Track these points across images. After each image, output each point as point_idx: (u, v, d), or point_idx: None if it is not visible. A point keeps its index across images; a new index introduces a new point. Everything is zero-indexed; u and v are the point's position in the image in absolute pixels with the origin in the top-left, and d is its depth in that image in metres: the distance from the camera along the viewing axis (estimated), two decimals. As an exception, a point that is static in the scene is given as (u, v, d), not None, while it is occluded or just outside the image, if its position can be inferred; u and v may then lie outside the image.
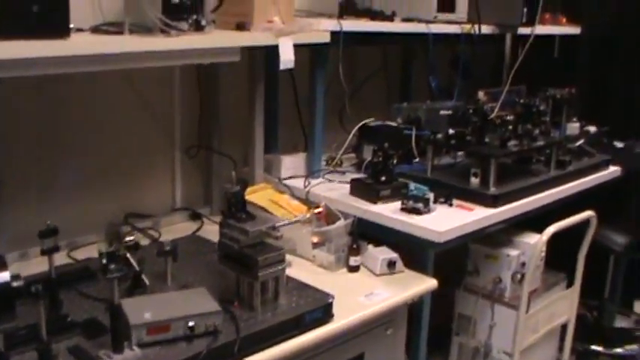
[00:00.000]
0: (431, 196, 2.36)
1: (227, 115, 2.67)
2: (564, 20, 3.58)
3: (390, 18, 2.66)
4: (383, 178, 2.39)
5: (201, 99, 2.64)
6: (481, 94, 3.02)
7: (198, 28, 2.09)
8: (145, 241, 2.31)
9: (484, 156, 2.41)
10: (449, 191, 2.38)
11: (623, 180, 3.12)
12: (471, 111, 2.57)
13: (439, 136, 2.50)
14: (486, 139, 2.52)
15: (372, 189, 2.37)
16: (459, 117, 2.49)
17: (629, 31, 3.57)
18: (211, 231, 2.35)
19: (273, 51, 2.30)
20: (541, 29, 3.32)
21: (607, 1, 3.64)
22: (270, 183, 2.62)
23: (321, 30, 2.39)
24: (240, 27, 2.27)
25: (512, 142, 2.53)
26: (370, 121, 2.74)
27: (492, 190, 2.40)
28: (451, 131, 2.48)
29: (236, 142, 2.70)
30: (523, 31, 3.14)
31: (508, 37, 3.70)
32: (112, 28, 2.06)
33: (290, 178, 2.67)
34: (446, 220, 2.24)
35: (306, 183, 2.57)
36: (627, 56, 3.59)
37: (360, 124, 2.72)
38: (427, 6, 2.76)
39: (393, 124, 2.73)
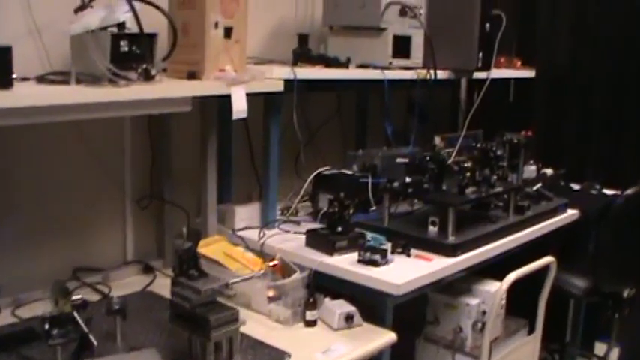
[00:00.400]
0: (388, 246, 2.31)
1: (179, 164, 2.60)
2: (519, 63, 3.60)
3: (345, 65, 2.63)
4: (339, 229, 2.33)
5: (153, 148, 2.56)
6: (438, 140, 3.01)
7: (147, 77, 2.03)
8: (94, 297, 2.22)
9: (443, 205, 2.37)
10: (407, 241, 2.33)
11: (580, 222, 3.11)
12: (428, 158, 2.53)
13: (396, 184, 2.46)
14: (444, 187, 2.49)
15: (328, 240, 2.31)
16: (415, 165, 2.45)
17: (582, 72, 3.61)
18: (164, 285, 2.25)
19: (225, 99, 2.24)
20: (496, 73, 3.34)
21: (560, 43, 3.67)
22: (224, 235, 2.54)
23: (274, 78, 2.35)
24: (192, 76, 2.22)
25: (470, 189, 2.50)
26: (325, 170, 2.69)
27: (451, 239, 2.35)
28: (408, 179, 2.44)
29: (189, 192, 2.63)
30: (479, 75, 3.14)
31: (463, 80, 3.71)
32: (59, 77, 1.99)
33: (244, 229, 2.60)
34: (404, 272, 2.18)
35: (261, 234, 2.50)
36: (581, 98, 3.62)
37: (315, 172, 2.67)
38: (382, 52, 2.74)
39: (349, 172, 2.69)
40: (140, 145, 2.53)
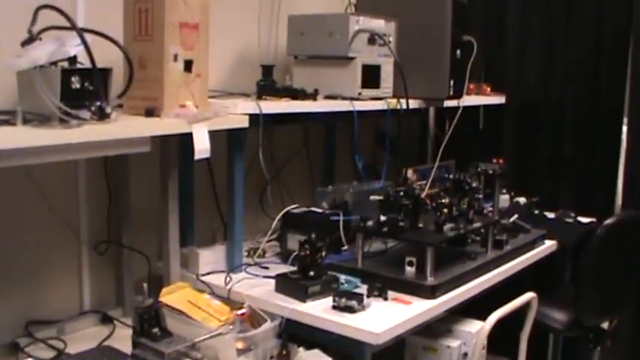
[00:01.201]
0: (364, 290, 2.17)
1: (139, 205, 2.43)
2: (489, 90, 3.51)
3: (312, 96, 2.50)
4: (311, 273, 2.18)
5: (110, 189, 2.39)
6: (410, 173, 2.89)
7: (102, 116, 1.87)
8: (48, 354, 2.05)
9: (421, 244, 2.24)
10: (383, 284, 2.19)
11: (558, 253, 3.02)
12: (402, 193, 2.40)
13: (370, 223, 2.32)
14: (420, 224, 2.36)
15: (299, 286, 2.16)
16: (390, 202, 2.31)
17: (552, 96, 3.53)
18: (124, 337, 2.08)
19: (186, 136, 2.09)
20: (467, 100, 3.24)
21: (530, 67, 3.59)
22: (188, 281, 2.37)
23: (238, 114, 2.20)
24: (150, 113, 2.06)
25: (448, 226, 2.37)
26: (293, 208, 2.55)
27: (430, 280, 2.22)
28: (383, 218, 2.30)
29: (150, 236, 2.46)
30: (450, 103, 3.04)
31: (432, 109, 3.61)
32: (4, 116, 1.82)
33: (210, 273, 2.43)
34: (382, 318, 2.04)
35: (227, 280, 2.33)
36: (552, 123, 3.54)
37: (283, 211, 2.52)
38: (351, 82, 2.61)
39: (318, 210, 2.54)
40: (96, 185, 2.36)
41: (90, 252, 2.38)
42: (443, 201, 2.35)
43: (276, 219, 2.52)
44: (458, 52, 2.91)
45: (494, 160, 3.36)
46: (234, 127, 2.18)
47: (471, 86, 3.43)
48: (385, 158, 2.77)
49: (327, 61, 2.66)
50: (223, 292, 2.30)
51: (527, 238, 2.84)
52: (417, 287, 2.21)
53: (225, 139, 2.38)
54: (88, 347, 2.08)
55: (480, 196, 2.76)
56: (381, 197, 2.34)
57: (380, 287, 2.19)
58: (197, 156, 2.04)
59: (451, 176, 2.85)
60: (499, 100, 3.54)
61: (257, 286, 2.30)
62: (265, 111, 2.26)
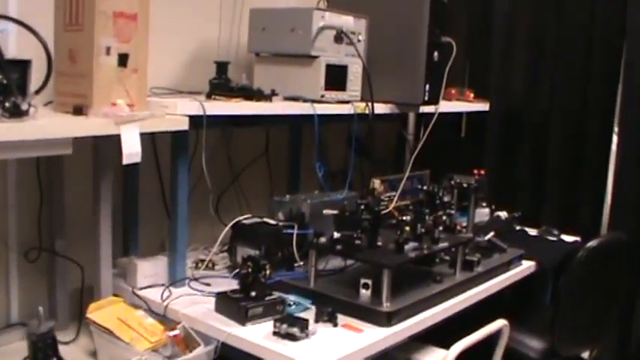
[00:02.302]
0: (312, 314, 1.96)
1: (74, 211, 2.23)
2: (472, 96, 3.29)
3: (268, 98, 2.28)
4: (253, 294, 1.97)
5: (42, 193, 2.18)
6: (377, 183, 2.67)
7: (16, 113, 1.66)
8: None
9: (376, 265, 2.02)
10: (334, 307, 1.98)
11: (537, 275, 2.80)
12: (362, 207, 2.18)
13: (323, 239, 2.11)
14: (379, 242, 2.14)
15: (239, 307, 1.94)
16: (344, 217, 2.10)
17: (538, 106, 3.31)
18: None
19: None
20: (446, 106, 3.02)
21: (516, 74, 3.38)
22: (124, 295, 2.16)
23: (178, 114, 1.98)
24: (78, 111, 1.85)
25: (410, 245, 2.15)
26: (245, 218, 2.33)
27: (386, 305, 2.00)
28: (336, 235, 2.09)
29: (86, 244, 2.23)
30: (426, 109, 2.82)
31: (411, 115, 3.39)
32: None
33: (149, 287, 2.21)
34: (327, 348, 1.82)
35: (164, 295, 2.12)
36: (537, 134, 3.32)
37: (233, 221, 2.31)
38: (313, 83, 2.39)
39: (272, 221, 2.33)
40: (27, 189, 2.16)
41: (19, 259, 2.18)
42: (404, 218, 2.13)
43: (225, 230, 2.31)
44: (435, 54, 2.69)
45: (475, 171, 3.13)
46: (172, 129, 1.97)
47: (453, 91, 3.23)
48: (351, 168, 2.54)
49: (290, 59, 2.45)
50: (160, 308, 2.09)
51: (503, 258, 2.62)
52: (371, 313, 2.00)
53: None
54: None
55: (452, 211, 2.55)
56: (335, 211, 2.12)
57: (330, 312, 1.98)
58: (125, 160, 1.83)
59: (425, 187, 2.65)
60: (482, 107, 3.33)
61: (197, 304, 2.09)
62: (210, 112, 2.05)
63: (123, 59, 1.90)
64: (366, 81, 2.53)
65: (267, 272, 2.00)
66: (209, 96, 2.23)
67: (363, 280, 2.05)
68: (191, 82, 2.50)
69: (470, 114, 3.42)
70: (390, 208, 2.53)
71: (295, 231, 2.27)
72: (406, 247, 2.13)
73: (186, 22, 2.56)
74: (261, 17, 2.49)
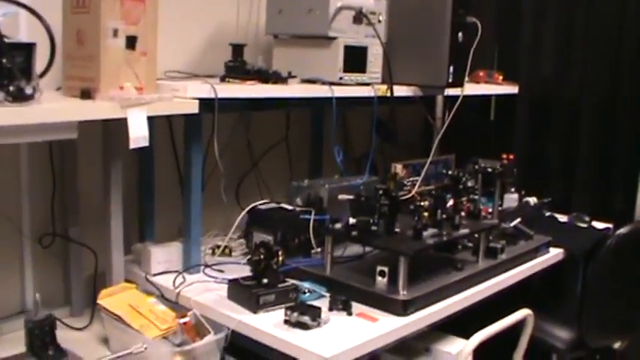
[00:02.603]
0: (326, 302, 1.91)
1: (87, 196, 2.21)
2: (500, 78, 3.19)
3: (284, 80, 2.22)
4: (265, 281, 1.92)
5: (55, 178, 2.16)
6: (399, 168, 2.60)
7: (20, 97, 1.63)
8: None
9: (392, 252, 1.96)
10: (349, 295, 1.92)
11: (565, 262, 2.70)
12: (381, 192, 2.12)
13: (338, 225, 2.05)
14: (397, 229, 2.08)
15: (251, 294, 1.90)
16: (361, 201, 2.04)
17: (570, 88, 3.19)
18: (69, 341, 1.86)
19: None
20: (473, 89, 2.94)
21: (546, 55, 3.26)
22: (138, 281, 2.14)
23: (188, 98, 1.94)
24: (85, 95, 1.82)
25: (429, 232, 2.08)
26: (261, 204, 2.29)
27: (402, 294, 1.94)
28: (352, 220, 2.03)
29: (99, 229, 2.21)
30: (451, 92, 2.74)
31: (440, 98, 3.30)
32: None
33: (163, 273, 2.19)
34: (339, 338, 1.77)
35: (177, 282, 2.09)
36: (569, 116, 3.20)
37: (249, 206, 2.26)
38: (331, 65, 2.33)
39: (289, 207, 2.28)
40: (40, 174, 2.14)
41: (33, 246, 2.16)
42: (422, 203, 2.06)
43: (241, 215, 2.26)
44: (460, 34, 2.60)
45: (504, 156, 3.05)
46: (181, 112, 1.92)
47: (481, 74, 3.14)
48: (371, 150, 2.47)
49: (307, 41, 2.39)
50: (173, 295, 2.06)
51: (529, 245, 2.54)
52: (386, 301, 1.94)
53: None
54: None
55: (476, 196, 2.47)
56: (351, 196, 2.06)
57: (344, 300, 1.93)
58: (132, 144, 1.79)
59: (450, 172, 2.57)
60: (511, 90, 3.22)
61: (209, 291, 2.05)
62: (222, 95, 2.00)
63: (131, 42, 1.86)
64: (391, 63, 2.46)
65: (280, 259, 1.95)
66: (223, 79, 2.18)
67: (379, 268, 1.99)
68: (208, 66, 2.46)
69: (499, 97, 3.31)
70: (413, 192, 2.47)
71: (312, 217, 2.21)
72: (425, 233, 2.07)
73: (204, 5, 2.52)
74: (278, -1, 2.43)
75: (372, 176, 2.49)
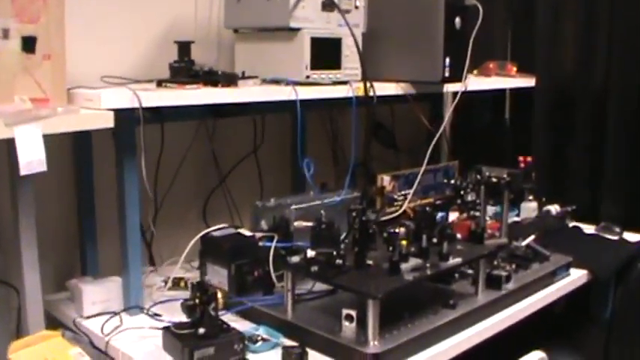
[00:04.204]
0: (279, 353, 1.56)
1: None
2: (514, 70, 2.78)
3: (233, 82, 1.85)
4: (202, 330, 1.56)
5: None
6: (386, 180, 2.22)
7: None
8: None
9: (356, 294, 1.59)
10: (302, 349, 1.55)
11: (590, 286, 2.28)
12: (354, 213, 1.74)
13: (296, 258, 1.68)
14: (369, 261, 1.70)
15: (183, 349, 1.54)
16: (321, 230, 1.66)
17: (595, 80, 2.75)
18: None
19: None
20: (479, 83, 2.54)
21: (567, 43, 2.82)
22: (65, 326, 1.81)
23: (101, 109, 1.58)
24: (-26, 108, 1.48)
25: (410, 264, 1.69)
26: (217, 229, 1.93)
27: (373, 344, 1.56)
28: (310, 253, 1.65)
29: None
30: (452, 87, 2.35)
31: (449, 94, 2.90)
32: None
33: (98, 315, 1.84)
34: (287, 406, 1.41)
35: (108, 327, 1.74)
36: (594, 113, 2.76)
37: (201, 233, 1.91)
38: (295, 63, 1.96)
39: (247, 232, 1.91)
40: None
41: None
42: (396, 230, 1.67)
43: (190, 244, 1.91)
44: (457, 20, 2.21)
45: (521, 159, 2.65)
46: (91, 128, 1.57)
47: (491, 65, 2.74)
48: (351, 158, 2.09)
49: (269, 34, 2.02)
50: (102, 343, 1.72)
51: (545, 268, 2.12)
52: (352, 354, 1.56)
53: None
54: None
55: (477, 213, 2.08)
56: (310, 223, 1.69)
57: (299, 354, 1.56)
58: (23, 171, 1.44)
59: (452, 182, 2.20)
60: (527, 82, 2.80)
61: (145, 339, 1.70)
62: (149, 104, 1.64)
63: (28, 43, 1.52)
64: (372, 56, 2.08)
65: (220, 302, 1.60)
66: (160, 84, 1.83)
67: (345, 311, 1.61)
68: (160, 69, 2.10)
69: (514, 92, 2.90)
70: (403, 208, 2.10)
71: (273, 244, 1.85)
72: (404, 266, 1.68)
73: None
74: (237, -15, 2.07)
75: (353, 192, 2.11)
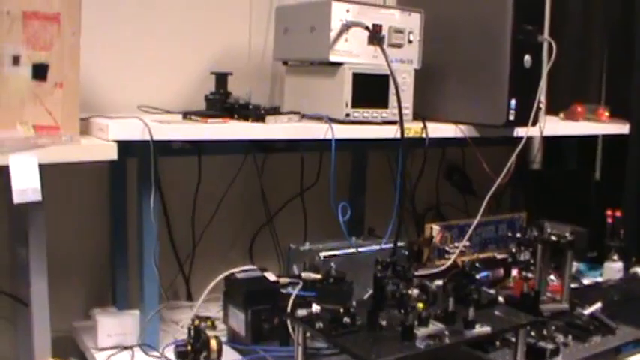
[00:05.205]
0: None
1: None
2: (606, 114, 2.51)
3: (260, 118, 1.75)
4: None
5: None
6: (435, 230, 2.04)
7: None
8: None
9: (355, 358, 1.43)
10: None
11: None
12: (379, 267, 1.59)
13: (303, 312, 1.55)
14: (383, 322, 1.53)
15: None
16: (329, 285, 1.53)
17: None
18: None
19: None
20: (562, 129, 2.33)
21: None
22: (71, 357, 1.78)
23: (108, 140, 1.54)
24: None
25: (427, 329, 1.52)
26: (242, 270, 1.83)
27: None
28: (315, 308, 1.52)
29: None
30: (521, 132, 2.15)
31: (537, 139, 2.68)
32: None
33: (114, 348, 1.79)
34: None
35: (110, 366, 1.69)
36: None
37: (224, 274, 1.81)
38: (335, 99, 1.84)
39: (272, 277, 1.80)
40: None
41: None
42: (410, 291, 1.50)
43: (213, 282, 1.82)
44: (527, 58, 2.01)
45: (609, 212, 2.39)
46: (92, 159, 1.52)
47: (579, 109, 2.49)
48: (395, 207, 1.93)
49: (314, 68, 1.92)
50: (114, 381, 1.67)
51: (607, 342, 1.87)
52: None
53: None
54: None
55: (530, 274, 1.87)
56: (318, 276, 1.55)
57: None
58: (17, 199, 1.41)
59: (517, 235, 2.00)
60: (619, 129, 2.53)
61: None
62: (158, 137, 1.58)
63: (39, 71, 1.50)
64: (417, 94, 1.94)
65: (215, 352, 1.49)
66: (185, 116, 1.77)
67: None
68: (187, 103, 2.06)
69: (607, 140, 2.64)
70: (450, 261, 1.92)
71: (295, 292, 1.73)
72: (420, 331, 1.51)
73: (210, 24, 2.12)
74: (285, 15, 1.99)
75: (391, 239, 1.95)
